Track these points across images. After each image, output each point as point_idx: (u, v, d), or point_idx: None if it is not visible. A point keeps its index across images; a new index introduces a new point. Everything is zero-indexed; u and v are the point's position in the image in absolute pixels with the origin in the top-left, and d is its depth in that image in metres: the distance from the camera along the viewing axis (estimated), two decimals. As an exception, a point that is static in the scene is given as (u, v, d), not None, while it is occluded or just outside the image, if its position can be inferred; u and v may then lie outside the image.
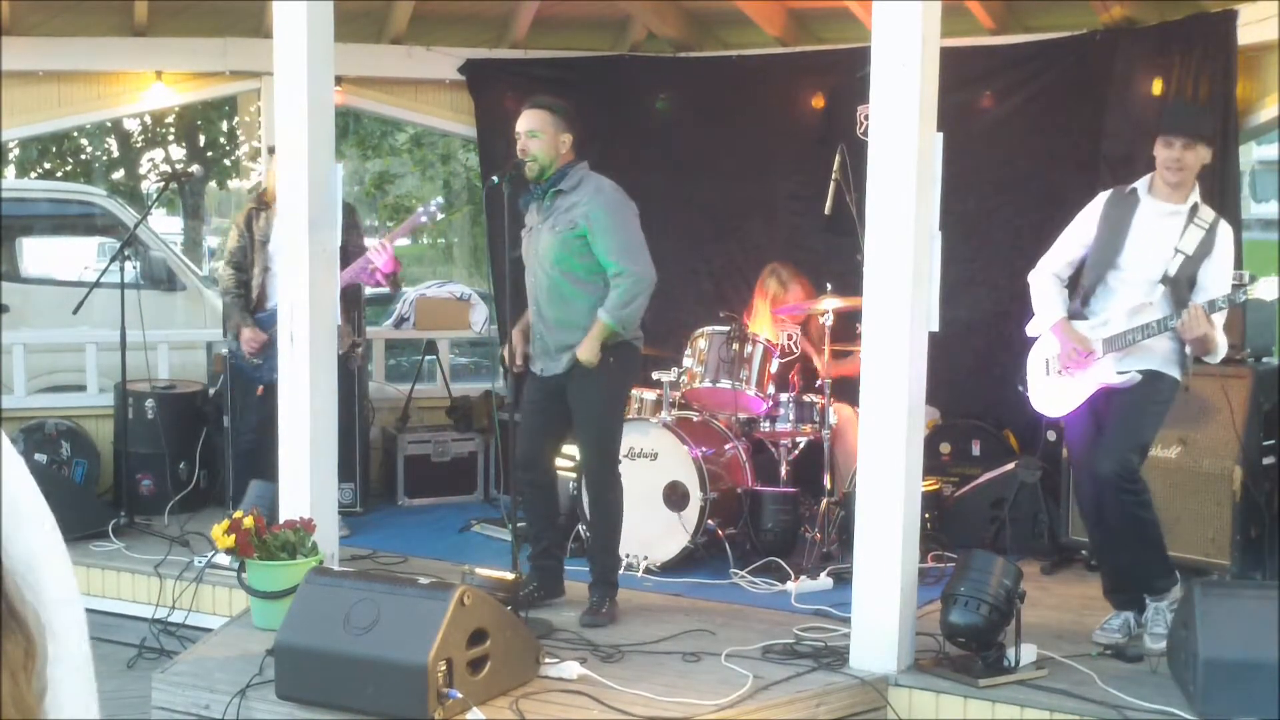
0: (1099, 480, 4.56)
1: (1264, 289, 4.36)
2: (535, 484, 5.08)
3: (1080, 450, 4.77)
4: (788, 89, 7.42)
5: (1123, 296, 4.59)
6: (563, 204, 4.83)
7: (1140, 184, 4.67)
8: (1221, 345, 4.49)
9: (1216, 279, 4.55)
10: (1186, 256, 4.53)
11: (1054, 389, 4.72)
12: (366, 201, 21.73)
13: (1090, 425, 4.67)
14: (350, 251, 5.98)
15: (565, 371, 4.89)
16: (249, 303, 6.16)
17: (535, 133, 4.81)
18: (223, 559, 5.23)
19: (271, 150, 6.07)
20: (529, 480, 5.08)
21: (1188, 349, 4.53)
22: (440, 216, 6.27)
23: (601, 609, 4.88)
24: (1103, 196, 4.76)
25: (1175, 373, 4.60)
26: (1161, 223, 4.58)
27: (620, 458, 5.35)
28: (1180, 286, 4.53)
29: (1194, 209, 4.58)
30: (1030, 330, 4.84)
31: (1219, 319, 4.44)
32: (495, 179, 4.76)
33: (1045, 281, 4.77)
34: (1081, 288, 4.73)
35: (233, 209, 26.24)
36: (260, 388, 6.09)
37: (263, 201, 6.21)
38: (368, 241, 6.31)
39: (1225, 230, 4.61)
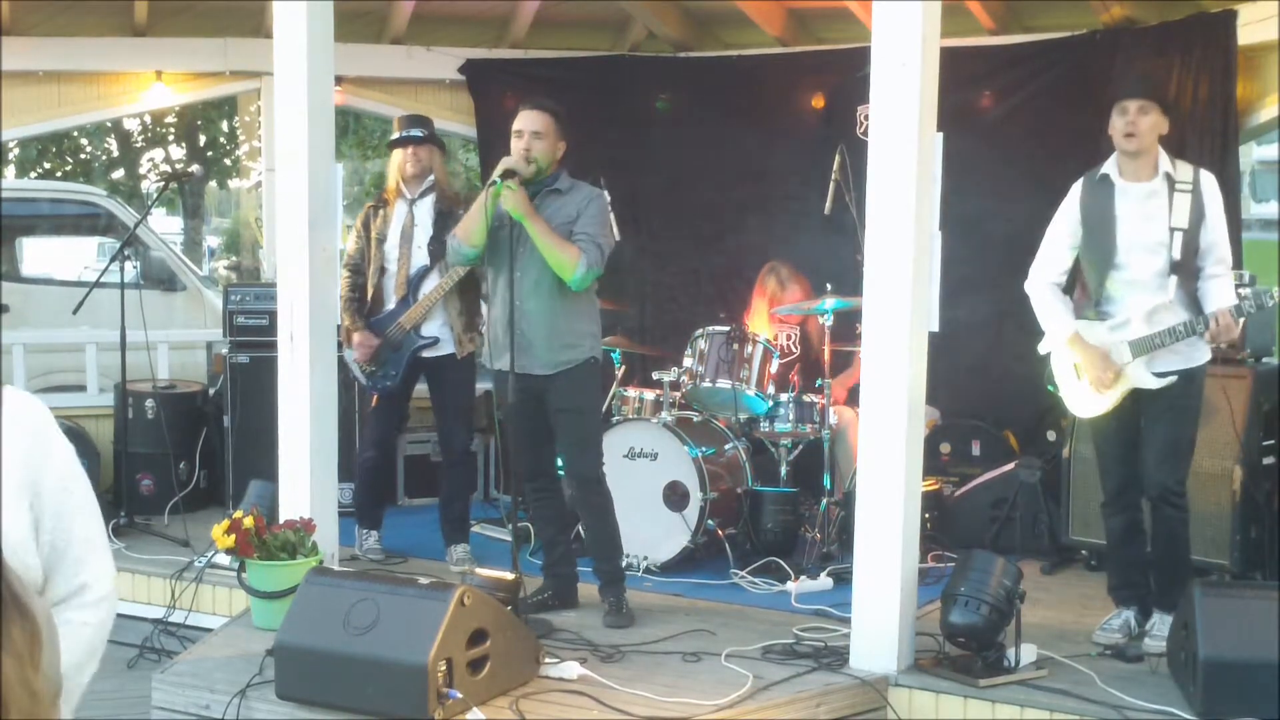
0: (1148, 496, 4.60)
1: None
2: (543, 492, 5.07)
3: (1109, 449, 4.74)
4: (788, 89, 7.43)
5: (1135, 298, 4.51)
6: (556, 203, 4.82)
7: (1109, 166, 4.58)
8: (1237, 327, 4.46)
9: (1217, 239, 4.48)
10: (1184, 231, 4.44)
11: (1087, 391, 4.66)
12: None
13: (1118, 423, 4.65)
14: None
15: (547, 375, 4.83)
16: (363, 306, 5.75)
17: (540, 134, 4.79)
18: (223, 559, 5.23)
19: (394, 144, 5.84)
20: (536, 489, 5.07)
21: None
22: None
23: (622, 608, 4.89)
24: (1076, 187, 4.68)
25: (1204, 355, 4.56)
26: (1145, 208, 4.50)
27: (619, 457, 5.37)
28: (1188, 264, 4.46)
29: (1169, 178, 4.50)
30: (1043, 348, 4.76)
31: (1225, 286, 4.40)
32: (497, 180, 4.70)
33: (1044, 292, 4.66)
34: (1087, 289, 4.66)
35: (233, 209, 26.28)
36: (375, 397, 5.86)
37: (383, 199, 5.84)
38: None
39: (1209, 182, 4.52)
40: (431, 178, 5.82)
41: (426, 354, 5.78)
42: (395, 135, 5.88)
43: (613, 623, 4.82)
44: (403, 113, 8.31)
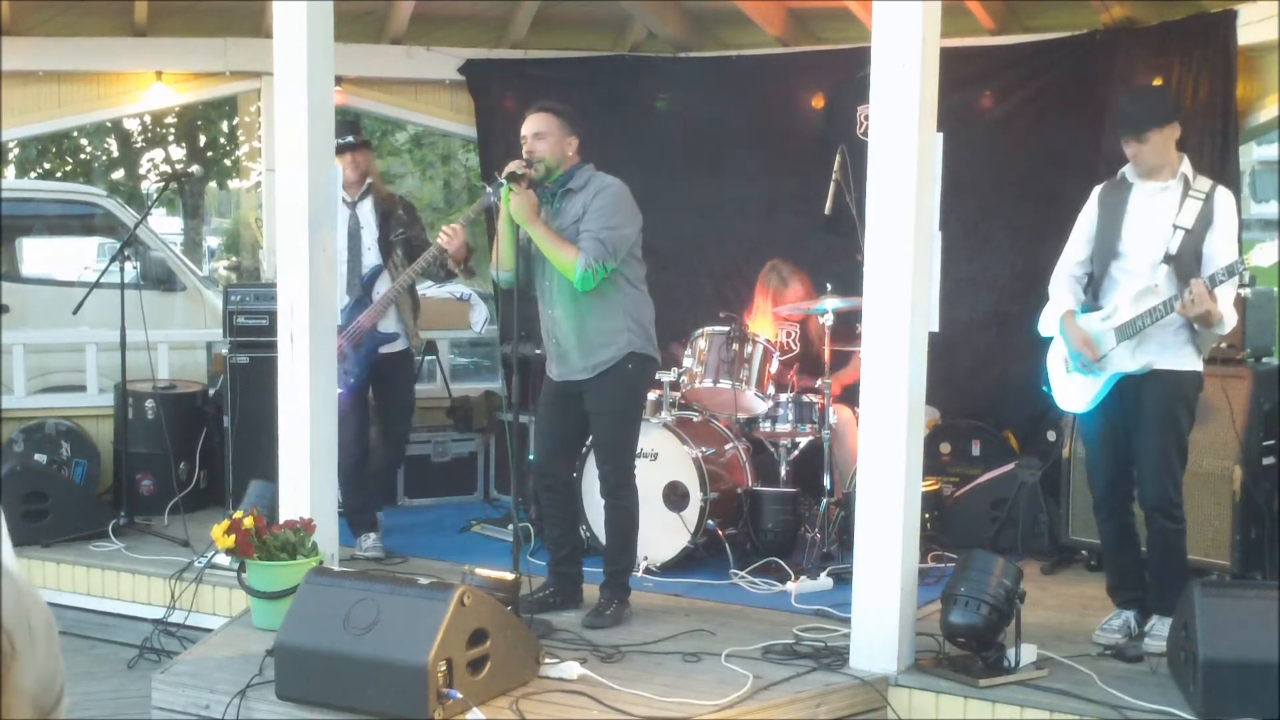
0: (1145, 506, 4.62)
1: (1262, 255, 4.30)
2: (553, 489, 5.07)
3: (1096, 447, 4.76)
4: (788, 89, 7.43)
5: (1126, 285, 4.56)
6: (572, 203, 4.81)
7: (1128, 169, 4.65)
8: (1228, 318, 4.41)
9: (1222, 249, 4.48)
10: (1187, 231, 4.47)
11: (1075, 385, 4.70)
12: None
13: (1103, 423, 4.67)
14: (414, 245, 6.03)
15: (583, 380, 4.86)
16: None
17: (542, 134, 4.78)
18: (223, 559, 5.23)
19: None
20: (546, 485, 5.08)
21: (1196, 326, 4.49)
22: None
23: (606, 610, 4.87)
24: (1097, 190, 4.76)
25: (1192, 362, 4.57)
26: (1154, 201, 4.55)
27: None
28: (1185, 263, 4.47)
29: (1185, 181, 4.54)
30: (1041, 328, 4.83)
31: (1222, 292, 4.36)
32: (504, 183, 4.65)
33: (1060, 282, 4.76)
34: (1092, 281, 4.72)
35: (233, 209, 26.27)
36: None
37: None
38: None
39: (1224, 197, 4.55)
40: (369, 180, 6.11)
41: (384, 350, 6.00)
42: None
43: (591, 623, 4.81)
44: (403, 113, 8.40)
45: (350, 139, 6.05)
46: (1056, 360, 4.78)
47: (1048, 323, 4.79)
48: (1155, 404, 4.54)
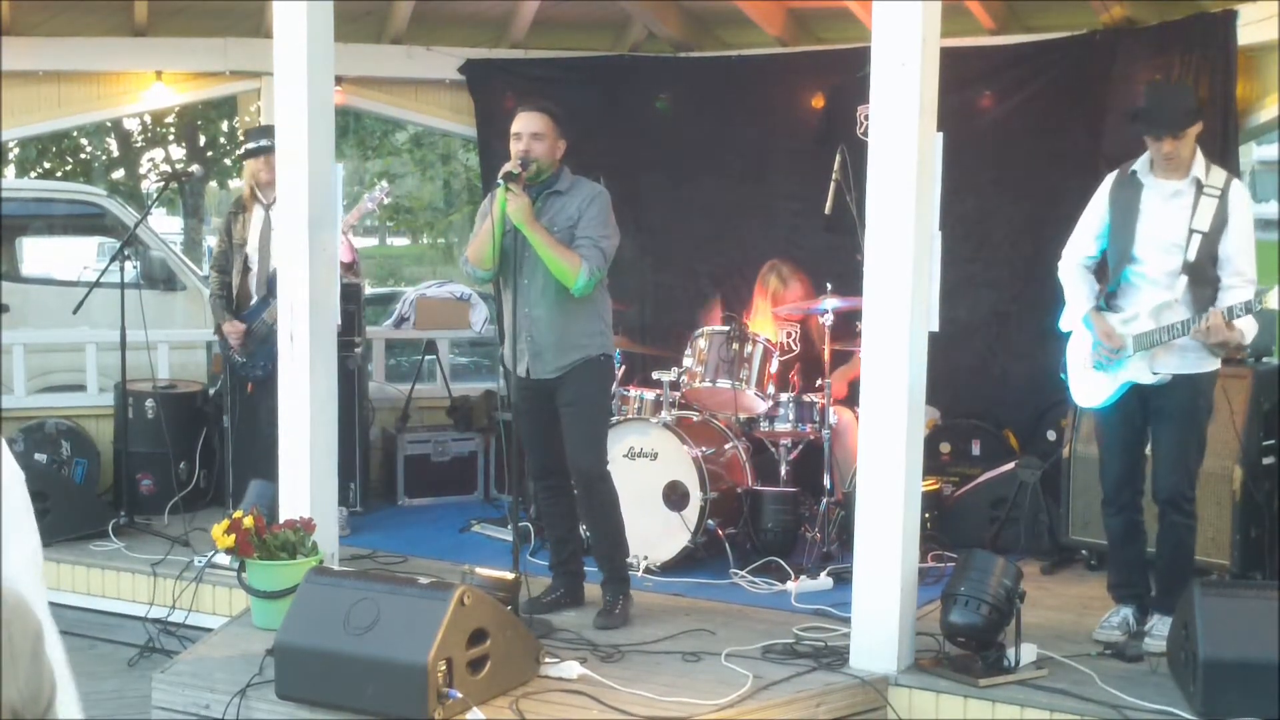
0: (1158, 500, 4.62)
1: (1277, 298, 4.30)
2: (554, 490, 5.07)
3: (1110, 443, 4.77)
4: (788, 89, 7.42)
5: (1146, 292, 4.54)
6: (558, 204, 4.81)
7: (1139, 165, 4.60)
8: (1248, 335, 4.44)
9: (1239, 248, 4.45)
10: (1204, 235, 4.44)
11: (1091, 380, 4.71)
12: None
13: (1120, 419, 4.68)
14: None
15: (555, 377, 4.86)
16: (230, 302, 6.28)
17: (541, 135, 4.77)
18: (223, 559, 5.23)
19: (247, 155, 6.25)
20: (547, 487, 5.08)
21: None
22: (386, 201, 6.49)
23: (615, 609, 4.87)
24: (1109, 180, 4.72)
25: (1211, 364, 4.57)
26: (1169, 206, 4.52)
27: (619, 457, 5.35)
28: (1202, 268, 4.45)
29: (1198, 182, 4.49)
30: (1063, 324, 4.83)
31: (1240, 321, 4.36)
32: (502, 183, 4.63)
33: (1073, 272, 4.74)
34: (1106, 280, 4.71)
35: (232, 209, 26.29)
36: (250, 385, 6.18)
37: (241, 205, 6.33)
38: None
39: (1239, 192, 4.52)
40: None
41: None
42: (248, 146, 6.28)
43: (602, 623, 4.80)
44: (403, 113, 8.41)
45: (266, 142, 6.04)
46: (1078, 355, 4.78)
47: (1069, 318, 4.79)
48: (1177, 402, 4.54)
